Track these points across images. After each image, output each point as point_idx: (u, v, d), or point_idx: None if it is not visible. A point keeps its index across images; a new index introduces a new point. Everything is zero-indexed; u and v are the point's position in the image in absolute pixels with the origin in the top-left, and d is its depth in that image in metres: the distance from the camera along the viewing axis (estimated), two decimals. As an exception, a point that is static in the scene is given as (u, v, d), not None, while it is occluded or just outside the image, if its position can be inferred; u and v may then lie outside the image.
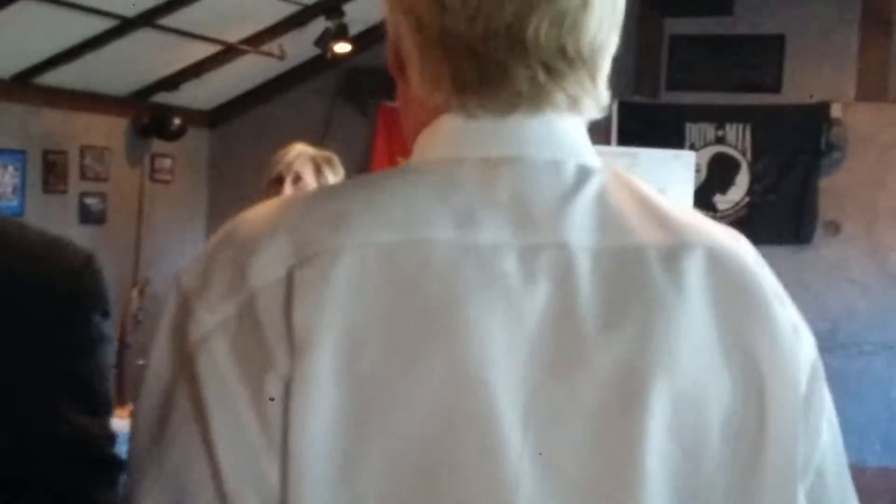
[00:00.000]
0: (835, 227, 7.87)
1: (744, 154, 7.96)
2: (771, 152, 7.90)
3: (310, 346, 0.86)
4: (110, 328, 0.95)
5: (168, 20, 6.67)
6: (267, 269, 0.90)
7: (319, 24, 7.20)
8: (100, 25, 6.43)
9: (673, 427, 0.91)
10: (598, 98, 1.01)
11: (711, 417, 0.92)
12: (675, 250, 0.95)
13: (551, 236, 0.93)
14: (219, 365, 0.88)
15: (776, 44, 7.93)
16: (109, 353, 0.95)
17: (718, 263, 0.96)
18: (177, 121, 7.98)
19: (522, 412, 0.88)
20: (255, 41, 7.56)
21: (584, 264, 0.92)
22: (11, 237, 0.94)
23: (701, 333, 0.93)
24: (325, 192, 1.01)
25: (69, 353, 0.93)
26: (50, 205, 7.38)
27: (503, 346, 0.88)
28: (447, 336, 0.88)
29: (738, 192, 7.98)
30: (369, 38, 7.87)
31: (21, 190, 7.12)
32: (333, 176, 4.00)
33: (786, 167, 7.88)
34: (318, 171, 3.95)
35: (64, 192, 7.57)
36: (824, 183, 7.86)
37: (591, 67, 0.98)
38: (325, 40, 7.21)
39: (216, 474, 0.87)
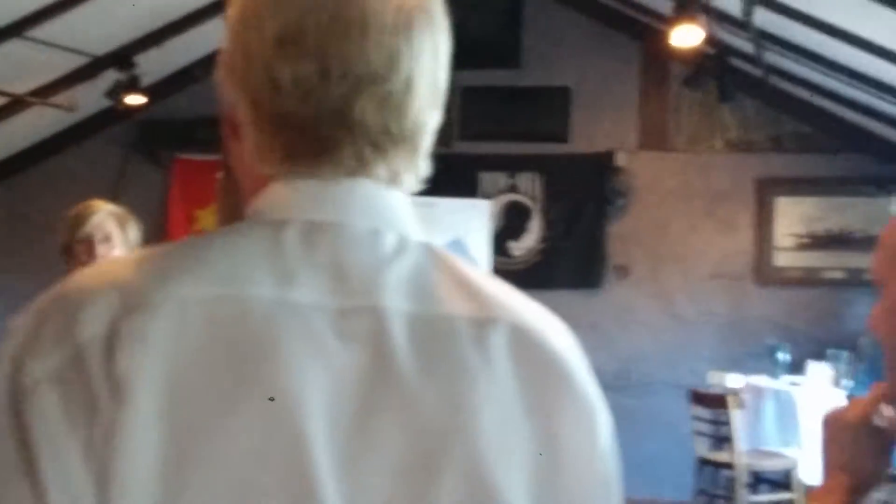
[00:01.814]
0: (624, 272, 8.15)
1: (535, 202, 8.17)
2: (561, 200, 8.14)
3: (129, 394, 0.89)
4: None
5: (-49, 71, 6.49)
6: (94, 321, 0.92)
7: (111, 76, 7.10)
8: None
9: (470, 484, 0.95)
10: (417, 172, 1.06)
11: (512, 477, 0.96)
12: (483, 323, 0.99)
13: (367, 300, 0.97)
14: (47, 413, 0.90)
15: (562, 95, 8.19)
16: None
17: (522, 338, 1.00)
18: (-39, 174, 7.74)
19: (334, 462, 0.92)
20: (44, 93, 7.39)
21: (397, 328, 0.96)
22: None
23: (505, 401, 0.97)
24: (154, 250, 1.03)
25: None
26: None
27: (318, 399, 0.92)
28: (262, 387, 0.91)
29: (531, 238, 8.18)
30: (163, 90, 7.81)
31: None
32: (135, 231, 3.98)
33: (576, 214, 8.12)
34: (122, 227, 3.94)
35: None
36: (612, 228, 8.13)
37: (413, 144, 1.04)
38: (116, 92, 7.11)
39: None
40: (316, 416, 0.92)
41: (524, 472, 0.97)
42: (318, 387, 0.93)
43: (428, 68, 1.04)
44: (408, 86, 1.02)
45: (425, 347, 0.97)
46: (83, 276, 0.99)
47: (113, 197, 4.13)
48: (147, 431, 0.89)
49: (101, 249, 3.90)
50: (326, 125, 1.00)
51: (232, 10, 1.06)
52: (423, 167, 1.07)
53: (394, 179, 1.04)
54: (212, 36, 6.49)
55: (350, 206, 1.02)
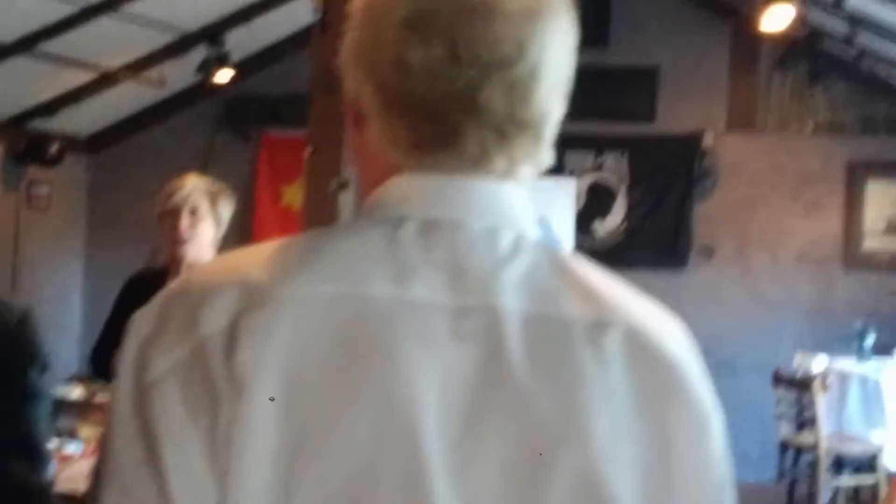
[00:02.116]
0: (709, 252, 8.07)
1: (620, 182, 8.13)
2: (647, 180, 8.08)
3: (250, 389, 0.92)
4: (47, 382, 0.97)
5: (46, 46, 6.60)
6: (216, 317, 0.95)
7: (201, 52, 7.18)
8: (-25, 51, 6.36)
9: (580, 488, 0.95)
10: (539, 162, 1.07)
11: (622, 483, 0.96)
12: (598, 325, 0.99)
13: (483, 299, 0.98)
14: (169, 406, 0.94)
15: (650, 75, 8.12)
16: (46, 408, 0.98)
17: (637, 342, 1.00)
18: (54, 147, 7.87)
19: (446, 460, 0.93)
20: (135, 68, 7.50)
21: (512, 328, 0.97)
22: None
23: (618, 406, 0.97)
24: (276, 245, 1.05)
25: (8, 408, 0.95)
26: (-78, 233, 7.24)
27: (432, 397, 0.93)
28: (379, 384, 0.93)
29: (615, 218, 8.14)
30: (251, 66, 7.88)
31: None
32: (227, 207, 4.04)
33: (661, 194, 8.06)
34: (213, 203, 3.99)
35: (-64, 220, 7.43)
36: (698, 209, 8.06)
37: (536, 133, 1.05)
38: (205, 68, 7.19)
39: None
40: (429, 414, 0.93)
41: (635, 477, 0.97)
42: (432, 385, 0.94)
43: (554, 56, 1.04)
44: (534, 73, 1.02)
45: (539, 349, 0.97)
46: (206, 270, 1.03)
47: (201, 172, 4.18)
48: (265, 426, 0.92)
49: (185, 222, 3.96)
50: (453, 110, 1.01)
51: None
52: (544, 158, 1.07)
53: (512, 170, 1.04)
54: (300, 13, 6.53)
55: (468, 203, 1.03)
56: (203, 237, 4.02)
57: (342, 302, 0.96)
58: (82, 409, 6.05)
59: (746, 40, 7.84)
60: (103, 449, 0.97)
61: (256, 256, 1.02)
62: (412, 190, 1.04)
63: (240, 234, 4.27)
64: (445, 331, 0.96)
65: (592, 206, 8.16)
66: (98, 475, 0.97)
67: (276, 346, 0.93)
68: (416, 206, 1.03)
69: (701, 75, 8.07)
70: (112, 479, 0.95)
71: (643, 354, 1.00)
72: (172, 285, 1.02)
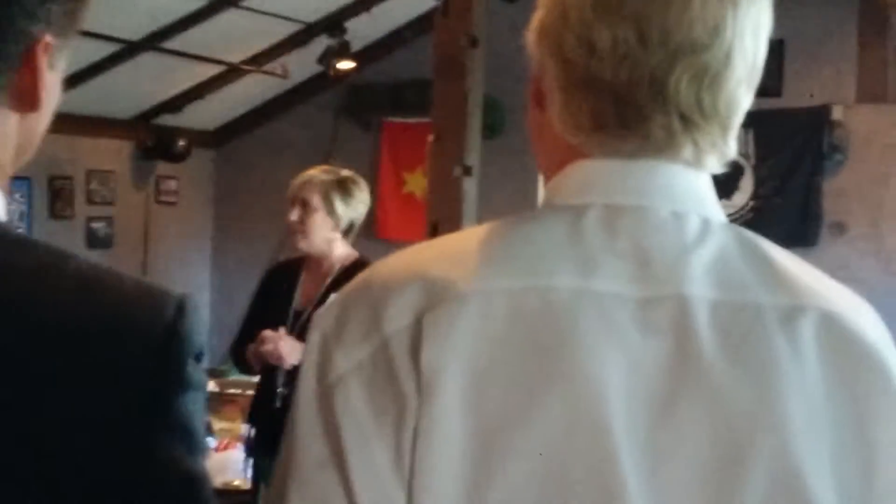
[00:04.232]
0: (840, 229, 7.89)
1: (747, 158, 7.98)
2: (774, 156, 7.92)
3: (437, 388, 0.91)
4: (202, 373, 0.99)
5: (171, 43, 6.73)
6: (399, 316, 0.95)
7: (322, 42, 7.24)
8: (105, 49, 6.49)
9: (778, 479, 0.92)
10: (724, 153, 1.05)
11: (820, 472, 0.92)
12: (791, 311, 0.96)
13: (670, 289, 0.95)
14: (353, 405, 0.93)
15: (776, 48, 7.96)
16: (203, 398, 1.00)
17: (832, 327, 0.97)
18: (181, 142, 8.03)
19: (637, 454, 0.90)
20: (258, 61, 7.60)
21: (701, 317, 0.94)
22: (109, 287, 0.97)
23: (814, 393, 0.94)
24: (455, 239, 1.06)
25: (170, 398, 0.97)
26: (57, 231, 7.42)
27: (620, 391, 0.91)
28: (566, 379, 0.91)
29: (743, 195, 8.00)
30: (371, 54, 7.92)
31: (27, 217, 7.17)
32: (347, 198, 4.09)
33: (789, 170, 7.90)
34: (326, 196, 4.05)
35: (70, 217, 7.62)
36: (828, 184, 7.88)
37: (723, 123, 1.02)
38: (327, 58, 7.25)
39: None
40: (617, 409, 0.91)
41: (833, 466, 0.93)
42: (618, 379, 0.92)
43: (749, 44, 1.01)
44: (727, 59, 0.99)
45: (731, 337, 0.94)
46: (385, 268, 1.02)
47: (325, 161, 4.23)
48: (452, 425, 0.90)
49: (294, 214, 4.08)
50: (639, 93, 0.98)
51: None
52: (730, 149, 1.04)
53: (698, 159, 1.02)
54: (419, -1, 6.54)
55: (652, 188, 1.00)
56: (317, 229, 4.10)
57: (526, 296, 0.94)
58: (215, 402, 6.18)
59: (875, 9, 7.63)
60: (287, 447, 0.98)
61: (436, 251, 1.02)
62: (595, 176, 1.01)
63: (363, 222, 4.29)
64: (631, 323, 0.93)
65: (718, 186, 8.02)
66: (282, 473, 0.97)
67: (460, 342, 0.92)
68: (599, 193, 1.00)
69: (828, 47, 7.87)
70: (296, 478, 0.95)
71: (839, 341, 0.96)
72: (352, 283, 1.02)
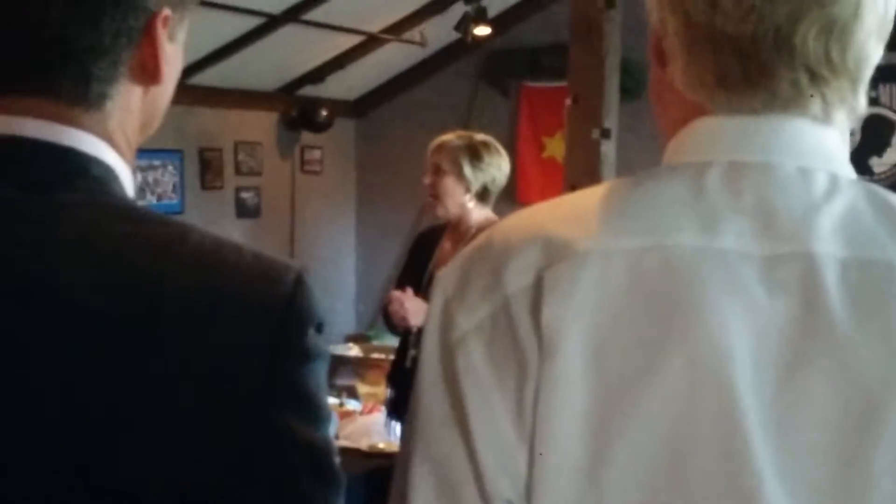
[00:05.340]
0: None
1: (897, 113, 7.77)
2: (925, 111, 7.69)
3: (558, 347, 0.91)
4: (325, 342, 1.02)
5: (312, 14, 6.81)
6: (520, 275, 0.95)
7: (459, 9, 7.25)
8: (248, 24, 6.62)
9: None
10: (854, 108, 1.02)
11: None
12: None
13: (797, 246, 0.93)
14: (474, 365, 0.94)
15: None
16: (325, 367, 1.02)
17: None
18: (324, 112, 8.13)
19: (763, 414, 0.89)
20: (397, 29, 7.65)
21: (830, 275, 0.91)
22: (228, 261, 1.00)
23: None
24: (574, 198, 1.05)
25: (290, 368, 0.97)
26: (208, 201, 7.63)
27: (745, 350, 0.90)
28: (688, 338, 0.90)
29: (893, 154, 7.79)
30: (508, 19, 7.90)
31: (180, 188, 7.37)
32: (476, 162, 4.13)
33: (941, 125, 7.66)
34: (455, 161, 4.10)
35: (220, 188, 7.80)
36: (983, 139, 7.62)
37: (852, 78, 0.99)
38: (464, 24, 7.26)
39: (476, 469, 0.94)
40: (742, 369, 0.89)
41: None
42: (743, 338, 0.90)
43: None
44: (856, 12, 0.96)
45: (861, 295, 0.91)
46: (506, 228, 1.02)
47: (464, 128, 4.27)
48: (573, 385, 0.91)
49: (428, 178, 4.20)
50: (764, 48, 0.96)
51: None
52: (860, 103, 1.01)
53: (827, 115, 0.99)
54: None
55: (777, 144, 0.98)
56: (448, 193, 4.16)
57: (647, 254, 0.93)
58: (359, 367, 6.30)
59: None
60: (413, 407, 0.99)
61: (556, 211, 1.01)
62: (717, 132, 1.00)
63: (505, 187, 4.31)
64: (756, 281, 0.92)
65: (868, 142, 7.82)
66: (408, 432, 0.99)
67: (582, 301, 0.91)
68: (722, 150, 0.98)
69: (981, -4, 7.59)
70: (420, 437, 0.97)
71: None
72: (474, 243, 1.02)
